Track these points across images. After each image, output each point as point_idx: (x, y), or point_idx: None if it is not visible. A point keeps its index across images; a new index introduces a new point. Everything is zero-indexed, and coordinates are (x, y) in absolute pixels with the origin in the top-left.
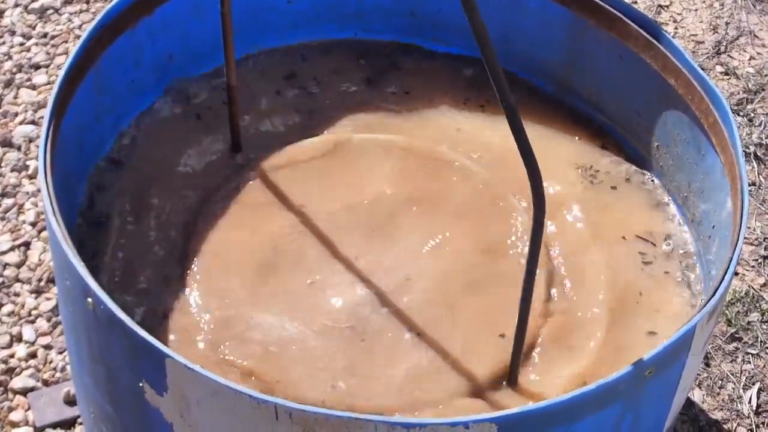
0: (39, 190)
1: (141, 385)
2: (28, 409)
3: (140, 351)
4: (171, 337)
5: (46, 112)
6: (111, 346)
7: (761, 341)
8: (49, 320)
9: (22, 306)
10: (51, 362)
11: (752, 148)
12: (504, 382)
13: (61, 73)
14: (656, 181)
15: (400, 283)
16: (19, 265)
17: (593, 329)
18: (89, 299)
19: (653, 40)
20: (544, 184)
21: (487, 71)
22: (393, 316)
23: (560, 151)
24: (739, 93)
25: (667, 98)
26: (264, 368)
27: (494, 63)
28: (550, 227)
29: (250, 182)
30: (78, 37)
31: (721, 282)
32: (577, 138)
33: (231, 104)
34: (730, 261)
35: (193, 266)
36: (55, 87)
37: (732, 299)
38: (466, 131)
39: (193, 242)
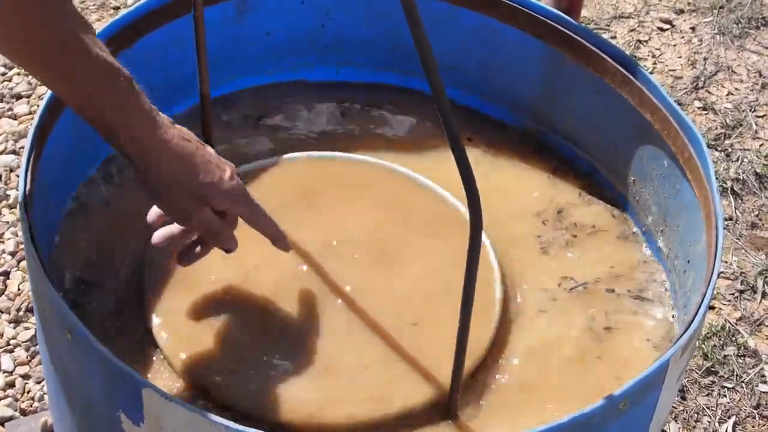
0: (19, 221)
1: (118, 414)
2: None
3: (117, 380)
4: (144, 358)
5: (26, 141)
6: (88, 375)
7: (737, 375)
8: (27, 350)
9: (1, 335)
10: (29, 392)
11: (729, 183)
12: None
13: (43, 102)
14: (632, 213)
15: (359, 302)
16: None
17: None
18: (67, 329)
19: (630, 76)
20: (514, 219)
21: (436, 106)
22: (343, 335)
23: (533, 186)
24: (716, 128)
25: (644, 133)
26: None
27: (443, 98)
28: (519, 261)
29: None
30: None
31: (695, 316)
32: (552, 172)
33: (204, 114)
34: (704, 295)
35: (162, 287)
36: (36, 116)
37: (708, 333)
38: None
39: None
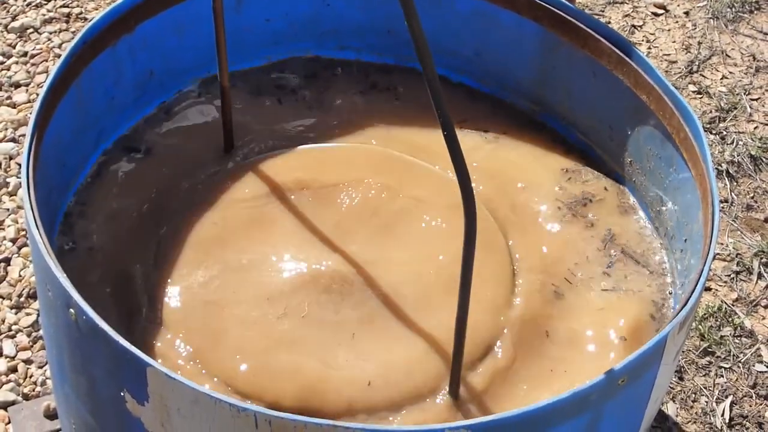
0: (19, 207)
1: (122, 394)
2: (9, 422)
3: (121, 360)
4: (147, 338)
5: (29, 126)
6: (93, 356)
7: (734, 355)
8: (29, 335)
9: (3, 321)
10: (31, 376)
11: (724, 166)
12: (445, 392)
13: (44, 87)
14: (629, 195)
15: (371, 276)
16: None
17: (541, 343)
18: (71, 310)
19: (625, 57)
20: (519, 198)
21: (428, 91)
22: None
23: (532, 167)
24: (711, 111)
25: (640, 114)
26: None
27: (435, 84)
28: (522, 242)
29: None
30: (58, 56)
31: (692, 292)
32: (550, 154)
33: (224, 105)
34: (701, 272)
35: (174, 265)
36: (38, 101)
37: (705, 314)
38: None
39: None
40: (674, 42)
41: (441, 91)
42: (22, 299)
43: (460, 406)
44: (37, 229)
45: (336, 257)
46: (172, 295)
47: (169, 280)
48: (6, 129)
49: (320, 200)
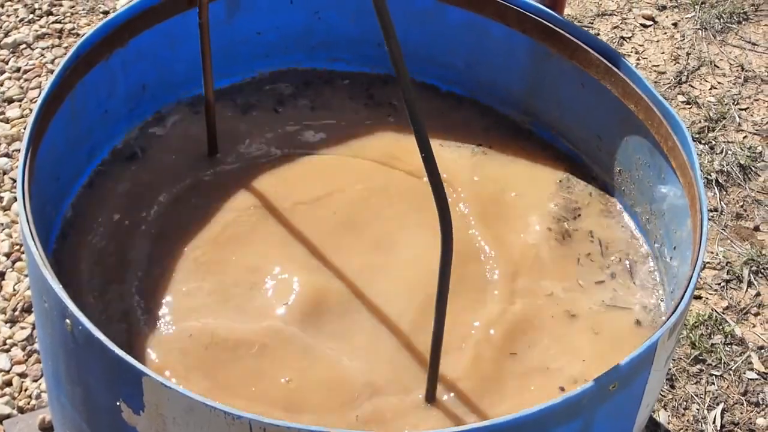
0: (13, 222)
1: (118, 404)
2: None
3: (117, 370)
4: (144, 352)
5: (24, 139)
6: (88, 366)
7: (725, 363)
8: (23, 349)
9: None
10: (26, 390)
11: (714, 175)
12: (421, 397)
13: (39, 101)
14: (618, 204)
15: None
16: None
17: (529, 352)
18: (67, 320)
19: (613, 67)
20: (509, 207)
21: (404, 102)
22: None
23: (522, 178)
24: (700, 122)
25: (628, 124)
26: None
27: (410, 93)
28: (513, 250)
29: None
30: (51, 71)
31: (681, 299)
32: (539, 164)
33: (208, 117)
34: (690, 278)
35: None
36: (33, 114)
37: (696, 322)
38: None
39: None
40: (663, 53)
41: (418, 112)
42: (17, 313)
43: (446, 412)
44: (33, 240)
45: (322, 270)
46: (167, 306)
47: (163, 292)
48: None
49: (307, 212)
